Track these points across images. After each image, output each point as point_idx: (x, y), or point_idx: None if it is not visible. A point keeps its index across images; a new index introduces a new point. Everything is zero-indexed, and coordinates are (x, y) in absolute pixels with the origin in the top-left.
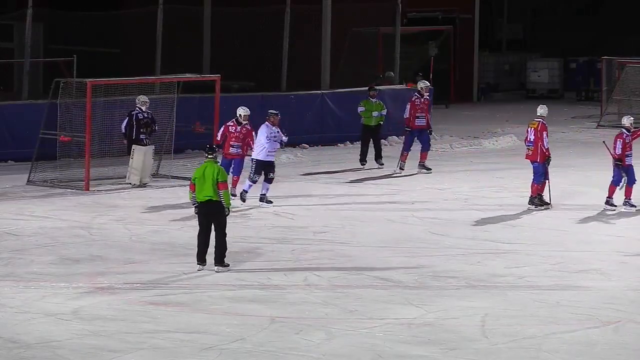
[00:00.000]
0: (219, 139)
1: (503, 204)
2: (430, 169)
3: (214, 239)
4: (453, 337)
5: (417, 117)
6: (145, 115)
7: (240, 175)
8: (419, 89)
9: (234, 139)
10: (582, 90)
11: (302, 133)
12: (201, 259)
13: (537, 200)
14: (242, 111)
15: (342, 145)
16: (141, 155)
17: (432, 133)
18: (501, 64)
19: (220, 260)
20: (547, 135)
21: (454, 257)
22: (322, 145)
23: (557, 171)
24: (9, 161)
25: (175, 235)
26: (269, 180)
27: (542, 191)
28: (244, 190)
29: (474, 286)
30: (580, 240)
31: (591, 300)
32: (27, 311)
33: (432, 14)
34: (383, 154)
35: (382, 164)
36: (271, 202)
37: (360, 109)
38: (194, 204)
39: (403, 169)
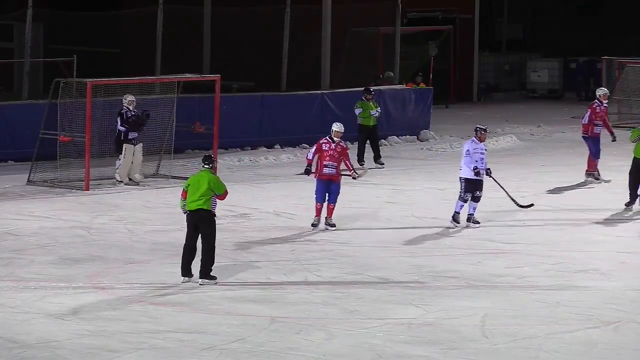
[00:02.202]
0: (310, 157)
1: (503, 204)
2: (599, 178)
3: (201, 251)
4: (453, 337)
5: (596, 125)
6: (133, 114)
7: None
8: (598, 96)
9: (327, 157)
10: (582, 90)
11: (302, 133)
12: (185, 271)
13: None
14: (335, 127)
15: None
16: (131, 154)
17: (615, 140)
18: (501, 64)
19: (205, 274)
20: None
21: (454, 257)
22: None
23: (557, 171)
24: (9, 161)
25: (175, 235)
26: (475, 199)
27: None
28: (455, 212)
29: (474, 286)
30: (580, 240)
31: (591, 300)
32: (27, 311)
33: (432, 14)
34: (382, 153)
35: (383, 164)
36: (478, 223)
37: (358, 110)
38: (185, 212)
39: (599, 178)
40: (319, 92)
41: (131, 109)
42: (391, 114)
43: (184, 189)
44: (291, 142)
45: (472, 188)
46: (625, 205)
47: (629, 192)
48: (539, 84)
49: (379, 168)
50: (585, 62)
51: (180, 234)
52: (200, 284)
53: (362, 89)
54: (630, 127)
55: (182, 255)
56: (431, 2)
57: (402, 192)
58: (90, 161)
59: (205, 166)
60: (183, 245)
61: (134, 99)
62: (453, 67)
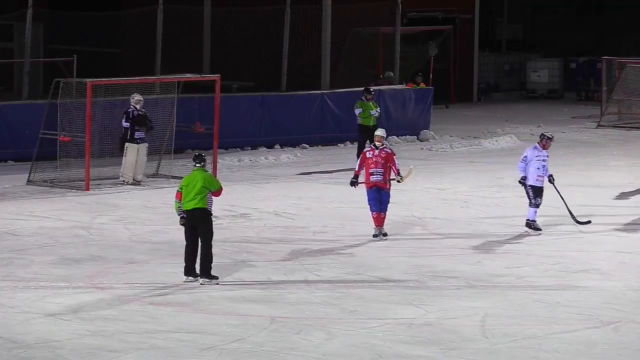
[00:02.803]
0: (357, 169)
1: (503, 203)
2: None
3: (200, 250)
4: (453, 337)
5: None
6: (140, 113)
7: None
8: None
9: (373, 165)
10: (582, 90)
11: (302, 133)
12: (189, 271)
13: None
14: (377, 132)
15: (342, 145)
16: (134, 153)
17: None
18: (501, 64)
19: (206, 273)
20: None
21: (454, 257)
22: (322, 145)
23: (557, 171)
24: (9, 161)
25: (175, 235)
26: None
27: None
28: (532, 220)
29: (474, 286)
30: (580, 240)
31: (591, 300)
32: (27, 311)
33: (432, 14)
34: None
35: None
36: (540, 230)
37: (358, 110)
38: (180, 214)
39: None
40: (319, 92)
41: (138, 107)
42: (391, 114)
43: (178, 190)
44: (291, 142)
45: (539, 193)
46: None
47: None
48: (539, 84)
49: None
50: (585, 62)
51: (180, 234)
52: (200, 284)
53: (362, 89)
54: (630, 128)
55: (184, 257)
56: (431, 2)
57: (402, 192)
58: (90, 161)
59: (197, 165)
60: (184, 246)
61: (141, 99)
62: (453, 67)
